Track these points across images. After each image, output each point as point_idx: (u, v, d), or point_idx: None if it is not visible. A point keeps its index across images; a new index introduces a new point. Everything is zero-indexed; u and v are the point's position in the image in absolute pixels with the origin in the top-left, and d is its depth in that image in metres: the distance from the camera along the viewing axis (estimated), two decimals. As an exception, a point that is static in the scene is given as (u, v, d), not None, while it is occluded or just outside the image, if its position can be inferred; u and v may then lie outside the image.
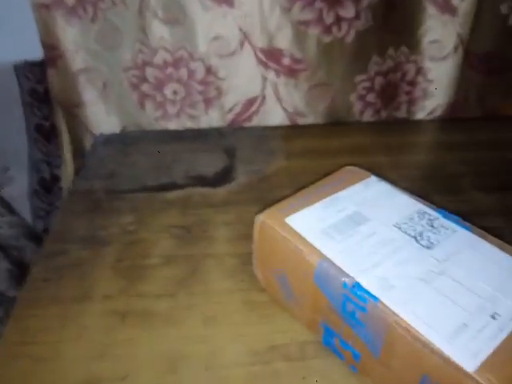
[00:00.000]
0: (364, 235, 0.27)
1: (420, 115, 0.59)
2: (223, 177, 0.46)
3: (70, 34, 0.48)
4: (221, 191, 0.44)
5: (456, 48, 0.54)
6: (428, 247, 0.26)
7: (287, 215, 0.29)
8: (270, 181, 0.46)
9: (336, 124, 0.57)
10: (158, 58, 0.50)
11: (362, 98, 0.56)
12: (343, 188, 0.32)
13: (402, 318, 0.22)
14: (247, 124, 0.56)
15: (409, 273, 0.24)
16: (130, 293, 0.33)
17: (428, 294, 0.23)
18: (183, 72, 0.51)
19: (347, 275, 0.24)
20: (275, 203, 0.30)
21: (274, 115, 0.56)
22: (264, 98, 0.55)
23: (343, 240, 0.27)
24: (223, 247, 0.37)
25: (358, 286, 0.24)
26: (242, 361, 0.28)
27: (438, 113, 0.58)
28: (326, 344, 0.28)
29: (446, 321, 0.22)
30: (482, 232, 0.28)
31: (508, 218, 0.41)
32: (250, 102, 0.55)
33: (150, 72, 0.51)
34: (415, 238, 0.27)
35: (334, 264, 0.25)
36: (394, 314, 0.22)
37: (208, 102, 0.54)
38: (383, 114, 0.58)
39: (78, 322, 0.31)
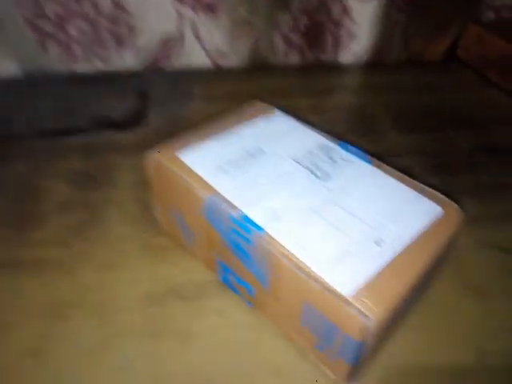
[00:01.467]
0: (260, 169, 0.26)
1: (346, 58, 0.57)
2: (134, 120, 0.43)
3: None
4: (130, 135, 0.41)
5: (380, -14, 0.52)
6: (323, 179, 0.26)
7: (181, 151, 0.27)
8: (185, 123, 0.43)
9: (260, 67, 0.55)
10: (56, -11, 0.45)
11: (286, 38, 0.53)
12: (244, 123, 0.30)
13: (285, 248, 0.21)
14: (165, 66, 0.53)
15: (299, 204, 0.24)
16: (16, 242, 0.30)
17: (315, 224, 0.22)
18: (87, 6, 0.46)
19: (235, 208, 0.23)
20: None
21: (194, 56, 0.53)
22: (182, 36, 0.51)
23: (238, 176, 0.25)
24: (127, 193, 0.34)
25: (244, 217, 0.23)
26: (138, 305, 0.27)
27: (364, 56, 0.57)
28: (224, 281, 0.27)
29: (330, 249, 0.21)
30: (382, 164, 0.28)
31: (419, 157, 0.41)
32: (167, 42, 0.51)
33: (48, 6, 0.45)
34: (311, 170, 0.26)
35: (223, 198, 0.24)
36: (278, 243, 0.21)
37: (119, 42, 0.49)
38: (309, 57, 0.56)
39: (-44, 276, 0.28)
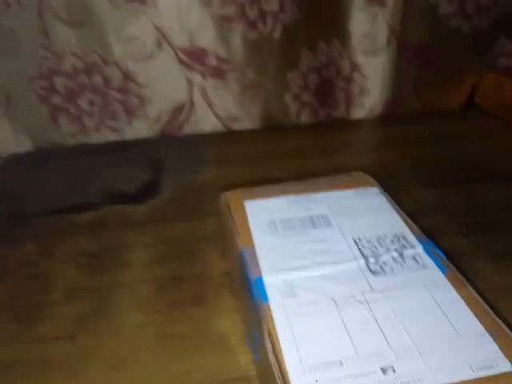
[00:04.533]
0: (311, 239, 0.24)
1: (359, 113, 0.56)
2: (146, 192, 0.42)
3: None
4: (141, 208, 0.39)
5: (389, 41, 0.52)
6: (374, 273, 0.22)
7: (249, 199, 0.26)
8: (199, 192, 0.42)
9: (273, 128, 0.54)
10: (67, 65, 0.45)
11: (297, 97, 0.53)
12: (332, 190, 0.28)
13: (277, 332, 0.18)
14: (177, 133, 0.52)
15: (326, 289, 0.21)
16: (21, 338, 0.27)
17: (328, 319, 0.19)
18: (97, 79, 0.46)
19: (257, 268, 0.21)
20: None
21: (206, 122, 0.52)
22: (193, 103, 0.50)
23: (286, 236, 0.24)
24: (138, 273, 0.32)
25: (258, 280, 0.21)
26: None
27: (377, 110, 0.56)
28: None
29: (322, 355, 0.18)
30: (460, 279, 0.22)
31: (449, 215, 0.38)
32: (178, 110, 0.51)
33: (59, 81, 0.46)
34: (366, 259, 0.23)
35: (255, 254, 0.22)
36: (273, 324, 0.19)
37: (130, 112, 0.49)
38: (321, 115, 0.55)
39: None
